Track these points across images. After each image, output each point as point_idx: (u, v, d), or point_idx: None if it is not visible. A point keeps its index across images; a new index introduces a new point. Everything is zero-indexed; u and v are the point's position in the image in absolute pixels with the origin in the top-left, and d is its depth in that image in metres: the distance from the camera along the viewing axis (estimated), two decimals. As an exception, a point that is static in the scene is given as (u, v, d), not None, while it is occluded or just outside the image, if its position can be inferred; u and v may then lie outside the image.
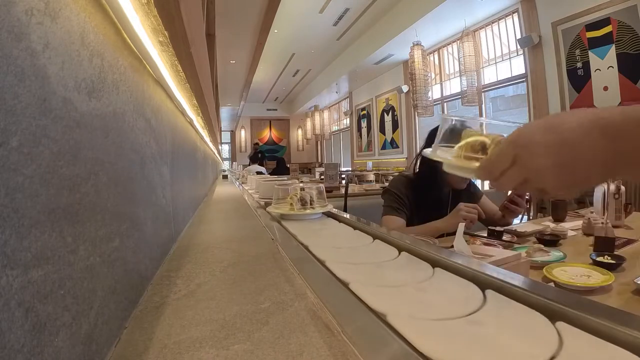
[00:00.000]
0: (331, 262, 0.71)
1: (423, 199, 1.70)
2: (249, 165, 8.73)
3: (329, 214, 1.38)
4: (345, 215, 1.31)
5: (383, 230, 1.00)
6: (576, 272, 1.01)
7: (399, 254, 0.79)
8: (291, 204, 1.34)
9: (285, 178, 2.98)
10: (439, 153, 0.61)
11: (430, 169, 1.70)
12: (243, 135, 17.62)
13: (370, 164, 9.93)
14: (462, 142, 0.57)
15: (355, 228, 1.09)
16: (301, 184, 1.55)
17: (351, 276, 0.62)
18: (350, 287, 0.57)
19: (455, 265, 0.66)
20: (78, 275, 0.35)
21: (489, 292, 0.54)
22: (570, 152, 0.43)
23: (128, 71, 0.57)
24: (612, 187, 1.63)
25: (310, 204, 1.35)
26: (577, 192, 0.48)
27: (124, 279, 0.50)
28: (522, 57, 5.98)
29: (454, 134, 0.60)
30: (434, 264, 0.70)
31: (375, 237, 0.95)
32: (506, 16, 6.23)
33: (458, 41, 6.70)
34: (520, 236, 1.53)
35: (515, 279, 0.55)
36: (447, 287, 0.59)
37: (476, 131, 0.58)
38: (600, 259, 1.10)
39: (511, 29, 6.20)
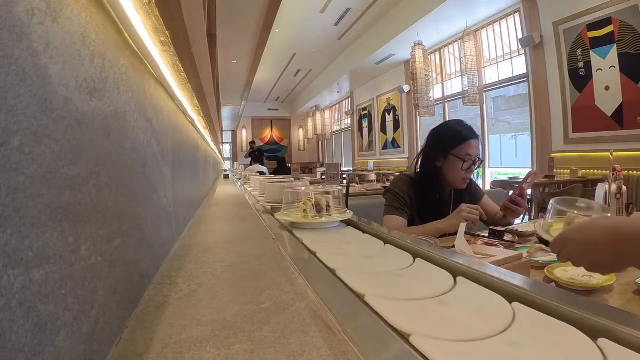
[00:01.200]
0: (372, 297, 0.52)
1: (425, 198, 1.70)
2: (251, 165, 8.71)
3: (349, 222, 1.19)
4: (369, 225, 1.11)
5: (424, 246, 0.79)
6: (578, 272, 1.01)
7: (455, 281, 0.59)
8: (304, 211, 1.13)
9: (292, 179, 2.86)
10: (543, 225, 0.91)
11: (431, 169, 1.70)
12: (244, 135, 17.65)
13: (371, 164, 9.93)
14: (552, 225, 0.90)
15: (385, 242, 0.89)
16: (315, 187, 1.33)
17: (410, 323, 0.44)
18: (413, 341, 0.41)
19: (540, 301, 0.49)
20: (79, 275, 0.35)
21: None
22: (590, 247, 0.64)
23: (129, 71, 0.57)
24: (614, 187, 1.63)
25: (327, 210, 1.15)
26: (606, 272, 0.76)
27: (125, 279, 0.50)
28: (523, 56, 5.99)
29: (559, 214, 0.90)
30: (510, 297, 0.51)
31: (415, 255, 0.75)
32: (507, 16, 6.23)
33: (459, 41, 6.70)
34: (522, 236, 1.52)
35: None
36: (545, 337, 0.42)
37: (574, 215, 0.85)
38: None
39: (512, 29, 6.20)
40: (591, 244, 0.64)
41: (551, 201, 0.92)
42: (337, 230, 1.10)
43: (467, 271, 0.61)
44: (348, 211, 1.20)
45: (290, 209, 1.21)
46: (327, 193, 1.20)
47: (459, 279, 0.60)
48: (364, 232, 1.04)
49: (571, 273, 1.01)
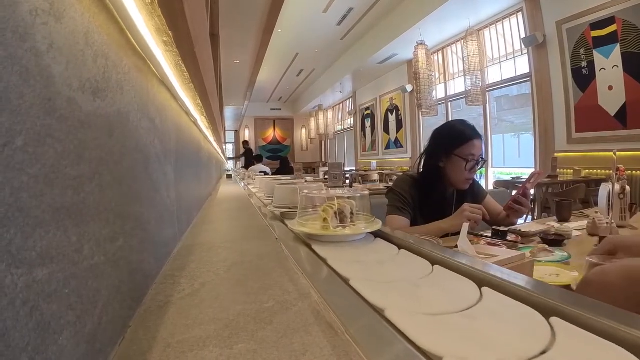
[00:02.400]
0: None
1: (427, 198, 1.69)
2: (253, 164, 8.73)
3: (377, 234, 0.97)
4: (403, 237, 0.89)
5: (491, 269, 0.62)
6: (546, 271, 1.03)
7: (551, 326, 0.43)
8: (325, 219, 0.93)
9: (303, 180, 2.59)
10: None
11: (434, 169, 1.69)
12: (247, 134, 17.66)
13: (374, 164, 9.93)
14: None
15: (433, 262, 0.69)
16: (337, 191, 1.10)
17: None
18: None
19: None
20: (82, 275, 0.35)
21: None
22: (607, 290, 0.59)
23: (132, 71, 0.57)
24: (617, 187, 1.62)
25: (351, 219, 0.96)
26: None
27: (128, 279, 0.50)
28: (526, 56, 5.97)
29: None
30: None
31: (479, 282, 0.57)
32: (510, 15, 6.21)
33: (462, 40, 6.67)
34: (525, 236, 1.52)
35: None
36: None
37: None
38: (605, 259, 1.09)
39: (515, 28, 6.18)
40: (608, 286, 0.60)
41: (586, 258, 0.83)
42: (366, 244, 0.90)
43: (565, 310, 0.47)
44: (376, 220, 1.01)
45: (305, 216, 1.03)
46: (351, 198, 1.01)
47: (555, 319, 0.45)
48: (400, 247, 0.84)
49: (540, 273, 1.02)
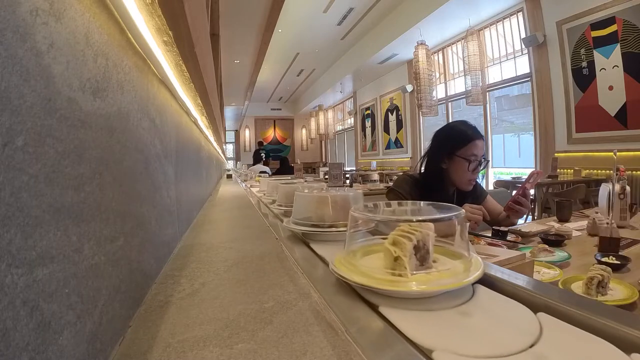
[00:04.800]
0: None
1: (428, 198, 1.69)
2: (253, 164, 8.72)
3: (481, 281, 0.55)
4: (544, 292, 0.51)
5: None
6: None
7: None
8: (396, 260, 0.53)
9: (324, 185, 1.43)
10: None
11: (436, 170, 1.69)
12: (247, 134, 17.67)
13: (374, 164, 9.93)
14: None
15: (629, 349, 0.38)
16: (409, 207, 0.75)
17: None
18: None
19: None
20: (83, 274, 0.35)
21: None
22: None
23: (132, 71, 0.57)
24: (618, 187, 1.62)
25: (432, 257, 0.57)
26: None
27: (129, 278, 0.50)
28: (526, 56, 5.97)
29: None
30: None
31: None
32: (511, 15, 6.21)
33: (462, 40, 6.67)
34: (525, 236, 1.52)
35: None
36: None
37: None
38: (605, 259, 1.09)
39: (516, 28, 6.18)
40: None
41: None
42: (471, 300, 0.52)
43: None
44: (474, 256, 0.60)
45: (353, 245, 0.65)
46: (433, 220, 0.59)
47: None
48: (533, 308, 0.48)
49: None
